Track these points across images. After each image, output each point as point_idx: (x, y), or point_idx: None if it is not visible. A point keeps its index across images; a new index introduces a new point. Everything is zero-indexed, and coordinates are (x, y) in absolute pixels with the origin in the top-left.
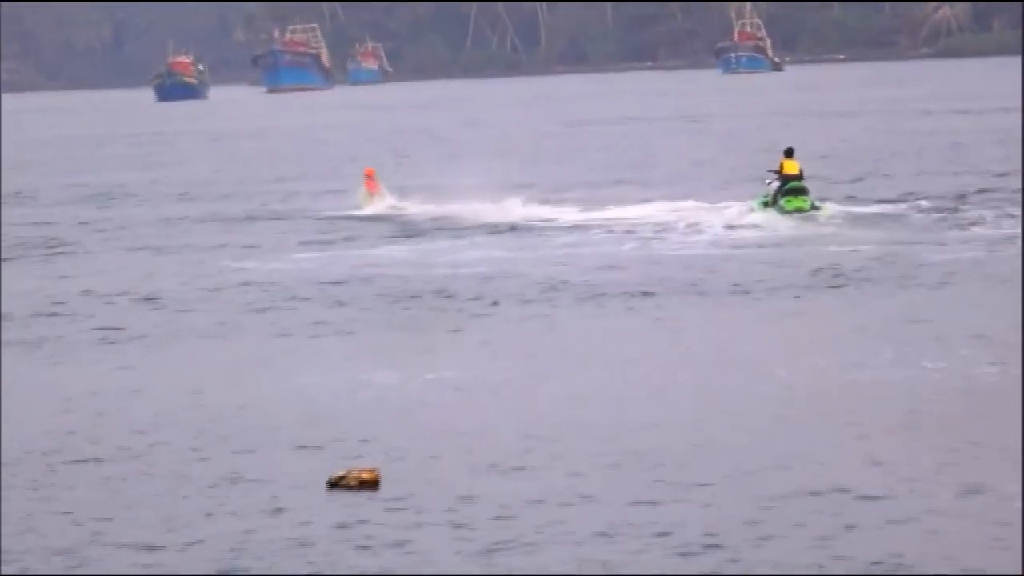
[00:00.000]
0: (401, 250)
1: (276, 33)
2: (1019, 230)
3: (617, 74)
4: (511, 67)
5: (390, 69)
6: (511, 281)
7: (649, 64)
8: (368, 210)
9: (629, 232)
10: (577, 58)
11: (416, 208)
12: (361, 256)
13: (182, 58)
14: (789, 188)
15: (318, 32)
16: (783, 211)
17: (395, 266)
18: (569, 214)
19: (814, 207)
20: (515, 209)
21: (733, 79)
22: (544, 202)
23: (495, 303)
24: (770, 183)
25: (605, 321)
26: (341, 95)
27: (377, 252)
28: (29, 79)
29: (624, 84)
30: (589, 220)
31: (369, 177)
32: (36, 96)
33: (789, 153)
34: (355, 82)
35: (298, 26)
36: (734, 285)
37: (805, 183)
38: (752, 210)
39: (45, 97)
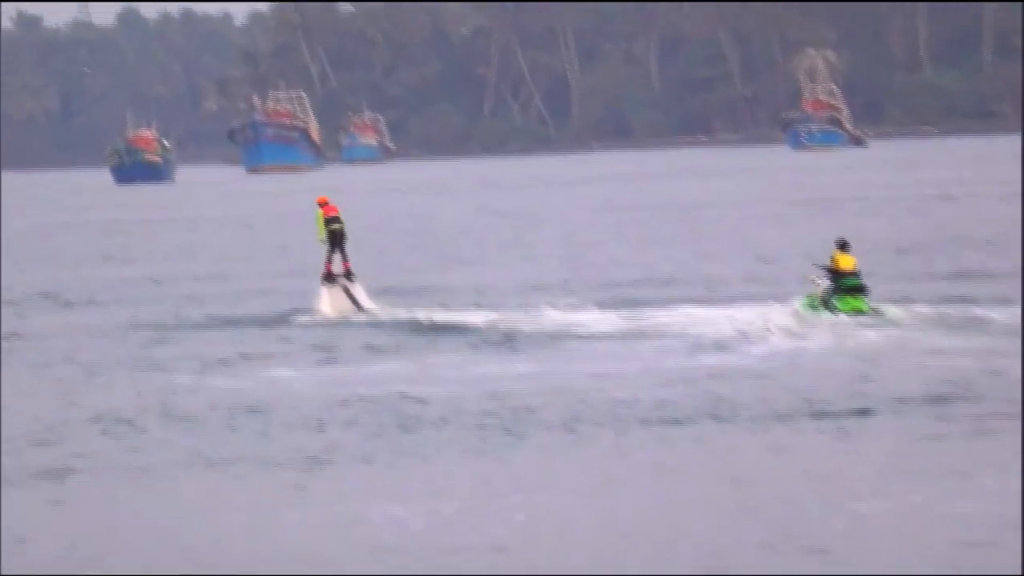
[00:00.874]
0: (409, 365)
1: (256, 101)
2: None
3: (664, 151)
4: (538, 141)
5: (392, 145)
6: (539, 400)
7: (702, 138)
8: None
9: (672, 340)
10: (616, 130)
11: (419, 313)
12: (365, 371)
13: (144, 132)
14: (846, 286)
15: (305, 100)
16: (833, 312)
17: (410, 382)
18: (605, 320)
19: (874, 310)
20: (543, 314)
21: (804, 156)
22: (574, 306)
23: (520, 429)
24: (817, 281)
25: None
26: (334, 176)
27: (385, 367)
28: None
29: (671, 162)
30: (625, 327)
31: (322, 205)
32: None
33: (843, 246)
34: (350, 160)
35: (282, 93)
36: (818, 404)
37: (863, 281)
38: (798, 313)
39: None
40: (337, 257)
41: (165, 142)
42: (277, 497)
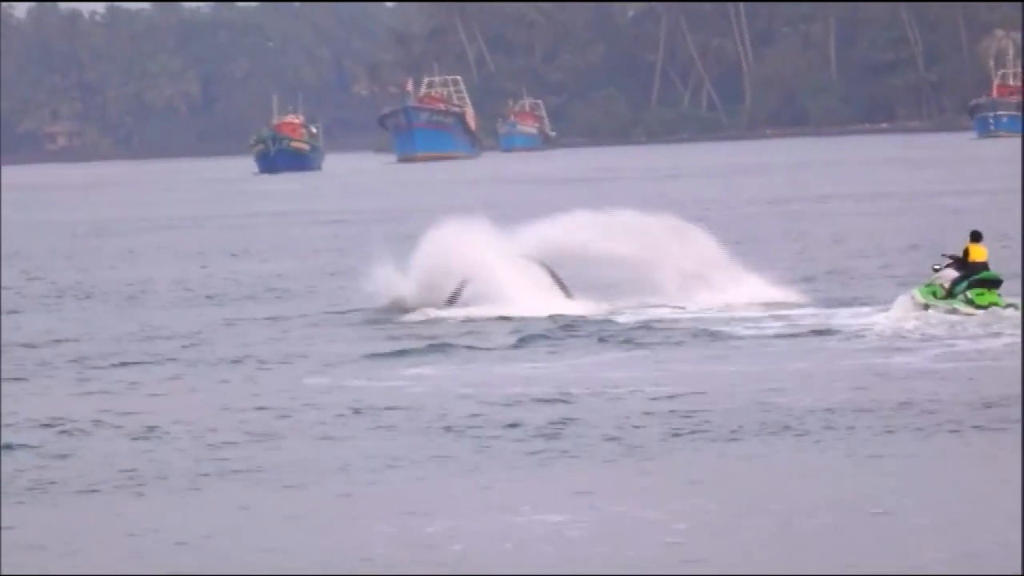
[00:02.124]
0: (562, 363)
1: (409, 86)
2: None
3: (842, 138)
4: (708, 129)
5: (553, 132)
6: (725, 403)
7: (883, 125)
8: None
9: (808, 337)
10: (791, 118)
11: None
12: (515, 370)
13: (290, 118)
14: (978, 279)
15: (462, 85)
16: (971, 305)
17: (561, 383)
18: (763, 318)
19: (1011, 305)
20: (699, 311)
21: (990, 144)
22: (727, 302)
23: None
24: (939, 268)
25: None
26: (490, 164)
27: (536, 365)
28: (93, 145)
29: (850, 150)
30: (789, 325)
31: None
32: (102, 166)
33: (976, 237)
34: (508, 148)
35: (436, 78)
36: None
37: (997, 274)
38: (921, 303)
39: (114, 168)
40: None
41: (312, 129)
42: (427, 503)
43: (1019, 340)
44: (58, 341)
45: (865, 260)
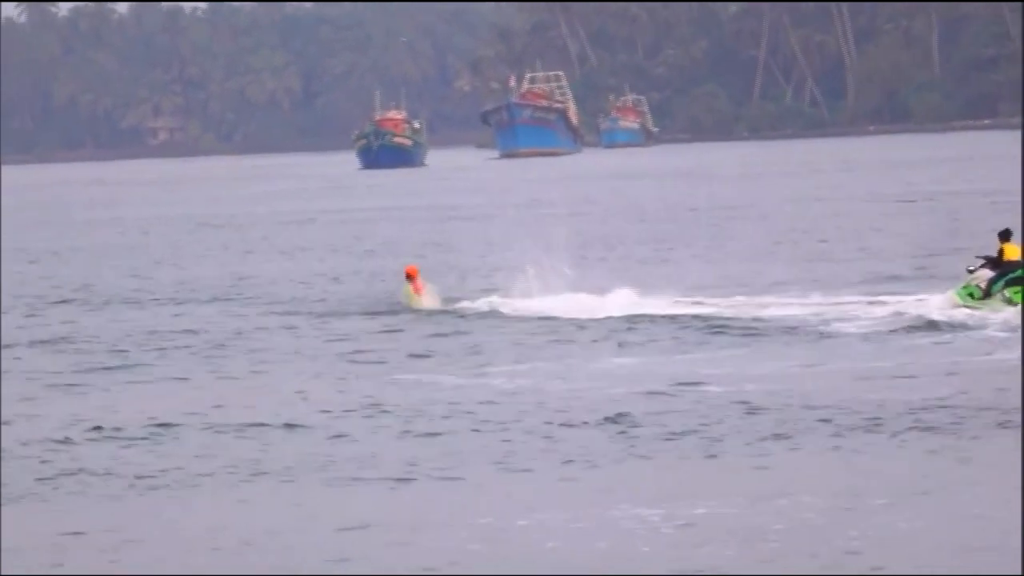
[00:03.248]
0: (651, 360)
1: (512, 82)
2: None
3: (945, 135)
4: (810, 125)
5: (655, 128)
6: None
7: (986, 122)
8: (418, 305)
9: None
10: (894, 114)
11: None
12: (603, 366)
13: (392, 114)
14: (1015, 277)
15: (564, 81)
16: (1010, 304)
17: (650, 379)
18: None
19: None
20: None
21: None
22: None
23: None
24: (973, 270)
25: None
26: (592, 160)
27: (627, 361)
28: (195, 140)
29: (952, 147)
30: (869, 322)
31: (411, 277)
32: (204, 161)
33: (1006, 236)
34: (610, 144)
35: (539, 73)
36: None
37: None
38: (958, 304)
39: (216, 163)
40: None
41: (415, 124)
42: (516, 502)
43: None
44: (171, 334)
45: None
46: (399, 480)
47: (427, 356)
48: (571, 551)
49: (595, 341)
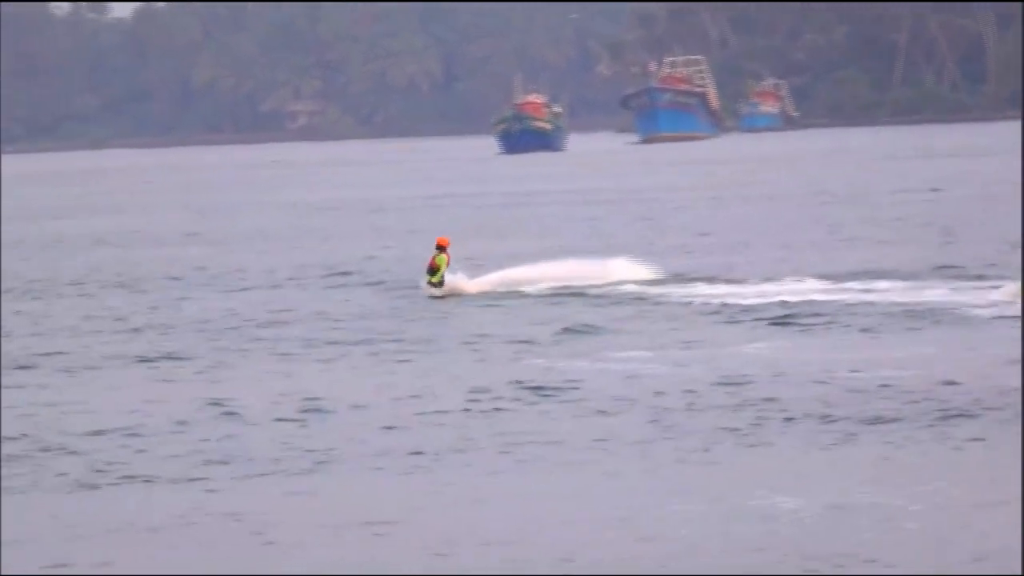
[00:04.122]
0: (775, 346)
1: (652, 67)
2: None
3: None
4: (951, 110)
5: (796, 113)
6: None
7: None
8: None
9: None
10: None
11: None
12: (728, 352)
13: (533, 98)
14: None
15: (704, 66)
16: None
17: (770, 365)
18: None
19: None
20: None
21: None
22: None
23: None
24: None
25: None
26: (731, 145)
27: (757, 347)
28: (334, 124)
29: None
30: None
31: (442, 248)
32: (344, 145)
33: None
34: (749, 128)
35: (679, 58)
36: None
37: None
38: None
39: (356, 147)
40: None
41: (556, 108)
42: (653, 488)
43: None
44: (317, 317)
45: None
46: (559, 464)
47: (587, 334)
48: (705, 539)
49: (740, 324)
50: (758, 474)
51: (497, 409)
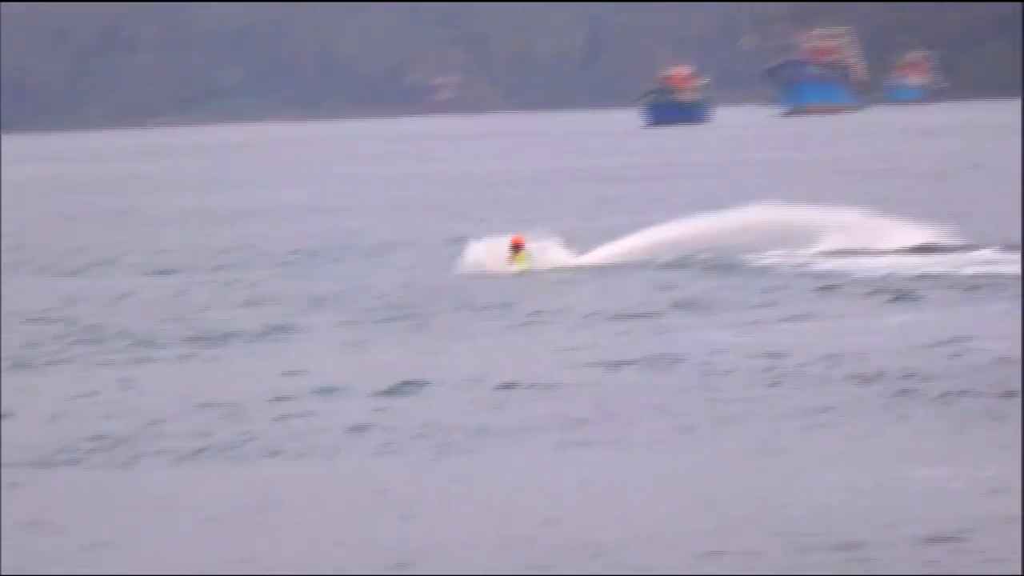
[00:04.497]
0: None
1: (797, 39)
2: None
3: None
4: None
5: (945, 84)
6: None
7: None
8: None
9: None
10: None
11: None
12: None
13: (678, 70)
14: None
15: (849, 38)
16: None
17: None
18: None
19: None
20: None
21: None
22: None
23: None
24: None
25: None
26: (876, 117)
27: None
28: (480, 96)
29: None
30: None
31: (518, 247)
32: (489, 118)
33: None
34: (894, 100)
35: (824, 30)
36: None
37: None
38: None
39: (502, 120)
40: None
41: (701, 81)
42: (793, 462)
43: None
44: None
45: None
46: (678, 429)
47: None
48: (850, 511)
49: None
50: (912, 447)
51: (634, 381)
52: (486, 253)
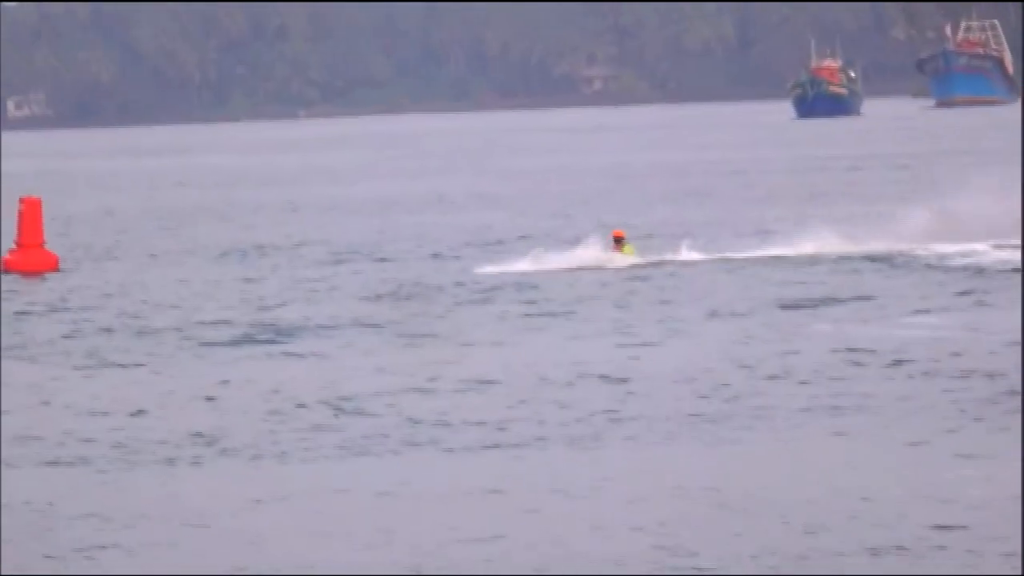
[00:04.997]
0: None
1: (947, 31)
2: None
3: None
4: None
5: None
6: None
7: None
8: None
9: None
10: None
11: None
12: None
13: (828, 62)
14: None
15: (1000, 30)
16: None
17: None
18: None
19: None
20: None
21: None
22: None
23: None
24: None
25: None
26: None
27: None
28: (629, 89)
29: None
30: None
31: (618, 240)
32: (640, 110)
33: None
34: None
35: (974, 22)
36: None
37: None
38: None
39: (652, 111)
40: None
41: (851, 73)
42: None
43: None
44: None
45: None
46: (746, 422)
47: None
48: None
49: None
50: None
51: (774, 375)
52: (593, 248)
